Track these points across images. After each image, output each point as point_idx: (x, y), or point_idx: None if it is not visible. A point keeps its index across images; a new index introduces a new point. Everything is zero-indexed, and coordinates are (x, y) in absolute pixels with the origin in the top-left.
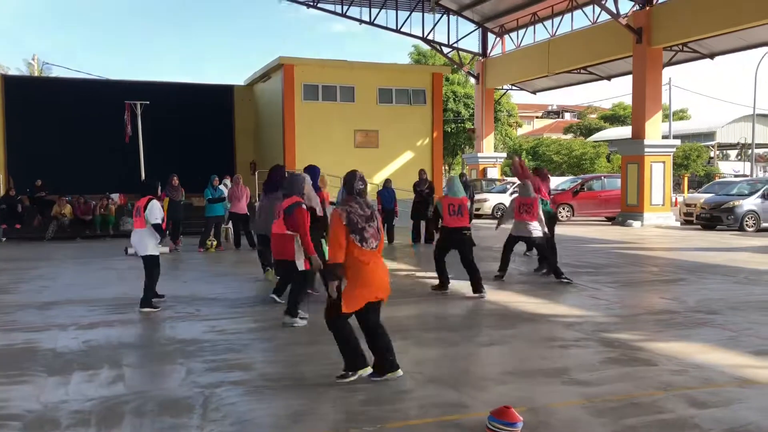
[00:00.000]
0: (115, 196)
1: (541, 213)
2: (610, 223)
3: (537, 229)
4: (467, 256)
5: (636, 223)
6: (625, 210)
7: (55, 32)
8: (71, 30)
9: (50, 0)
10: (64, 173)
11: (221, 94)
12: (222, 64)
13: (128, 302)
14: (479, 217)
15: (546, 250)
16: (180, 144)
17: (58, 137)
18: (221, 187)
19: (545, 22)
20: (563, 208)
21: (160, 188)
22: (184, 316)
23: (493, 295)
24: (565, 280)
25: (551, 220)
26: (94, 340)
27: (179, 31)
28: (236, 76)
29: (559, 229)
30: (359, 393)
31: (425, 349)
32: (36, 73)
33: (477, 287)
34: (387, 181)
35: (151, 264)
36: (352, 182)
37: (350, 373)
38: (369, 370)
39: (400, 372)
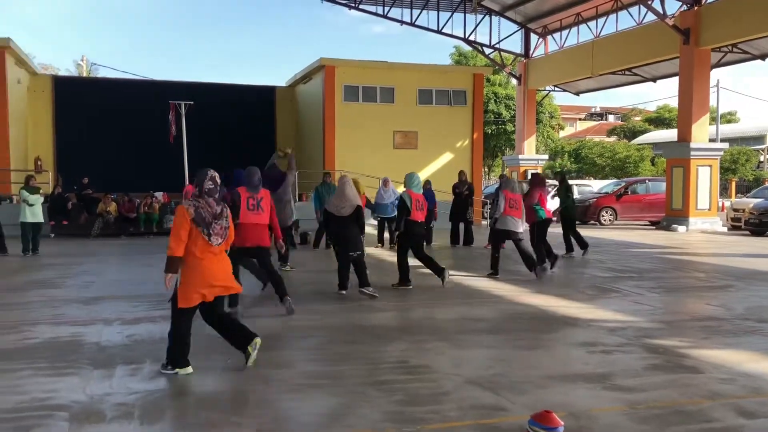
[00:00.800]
0: (159, 195)
1: (523, 210)
2: (654, 227)
3: (521, 226)
4: (422, 249)
5: (681, 228)
6: (670, 214)
7: (102, 34)
8: (117, 32)
9: (97, 2)
10: (110, 171)
11: (263, 95)
12: (264, 65)
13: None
14: None
15: (528, 249)
16: (222, 144)
17: (105, 136)
18: None
19: (589, 23)
20: (606, 212)
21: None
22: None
23: (532, 298)
24: (537, 272)
25: (543, 224)
26: (137, 335)
27: (222, 32)
28: (278, 77)
29: (601, 233)
30: (397, 393)
31: (463, 351)
32: (85, 74)
33: (439, 272)
34: (426, 182)
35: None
36: (202, 181)
37: (170, 367)
38: (189, 370)
39: (258, 340)
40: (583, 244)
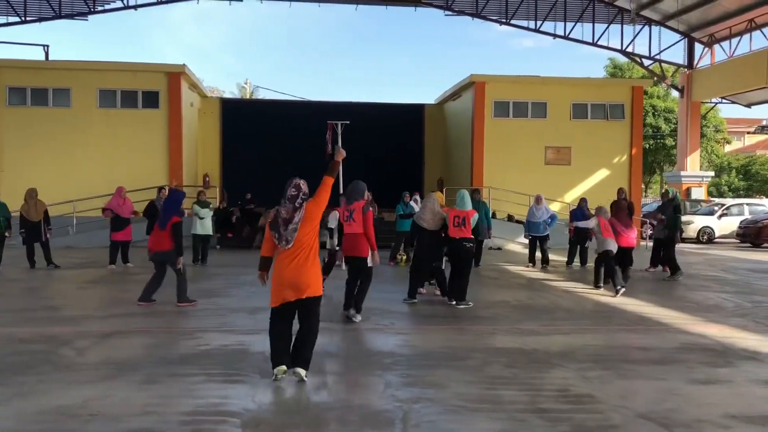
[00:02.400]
0: None
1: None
2: None
3: (614, 245)
4: (464, 266)
5: None
6: None
7: (262, 57)
8: (276, 55)
9: (256, 29)
10: (270, 187)
11: (413, 113)
12: (413, 83)
13: (329, 311)
14: (683, 240)
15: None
16: (374, 161)
17: (266, 154)
18: (411, 203)
19: (763, 29)
20: None
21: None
22: (379, 328)
23: (703, 327)
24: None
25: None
26: None
27: (373, 53)
28: (427, 95)
29: None
30: (562, 423)
31: (630, 382)
32: (247, 96)
33: (459, 295)
34: (582, 200)
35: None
36: (285, 189)
37: (272, 368)
38: (281, 369)
39: (302, 372)
40: (675, 269)
